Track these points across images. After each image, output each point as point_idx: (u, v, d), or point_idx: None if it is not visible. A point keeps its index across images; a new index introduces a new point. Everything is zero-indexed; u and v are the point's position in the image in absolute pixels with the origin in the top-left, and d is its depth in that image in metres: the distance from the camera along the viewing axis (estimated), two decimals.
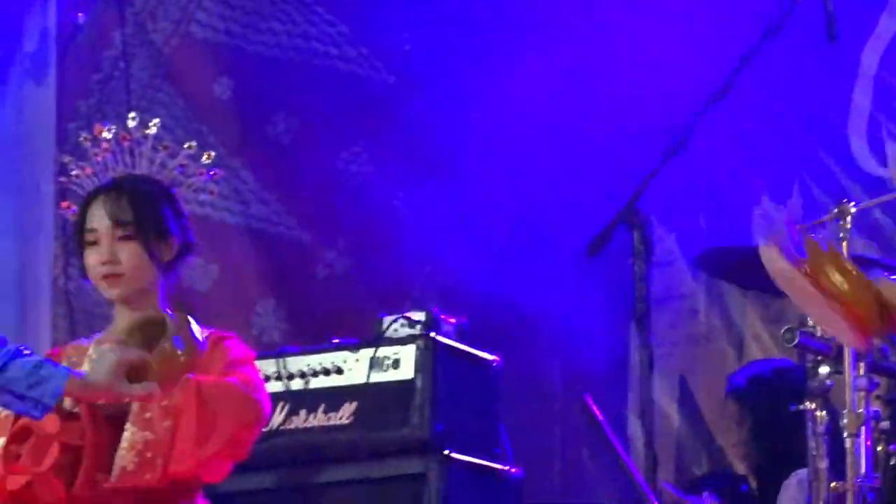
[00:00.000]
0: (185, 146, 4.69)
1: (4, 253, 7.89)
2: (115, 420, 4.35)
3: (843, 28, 5.06)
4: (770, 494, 5.97)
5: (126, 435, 4.31)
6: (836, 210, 5.22)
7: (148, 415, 4.30)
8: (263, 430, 4.51)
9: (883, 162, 6.62)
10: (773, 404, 5.83)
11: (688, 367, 7.09)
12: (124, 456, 4.32)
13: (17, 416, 4.36)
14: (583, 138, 7.04)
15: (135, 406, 4.32)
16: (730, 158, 6.70)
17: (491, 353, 5.83)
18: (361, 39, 7.73)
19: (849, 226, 5.14)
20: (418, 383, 5.50)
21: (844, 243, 5.12)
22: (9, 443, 4.32)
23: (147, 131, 4.65)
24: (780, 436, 5.88)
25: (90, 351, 4.55)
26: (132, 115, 4.74)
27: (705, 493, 6.25)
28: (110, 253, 4.49)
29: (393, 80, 7.66)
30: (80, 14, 8.01)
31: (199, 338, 4.33)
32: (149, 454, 4.33)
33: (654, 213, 5.27)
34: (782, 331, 5.54)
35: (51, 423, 4.31)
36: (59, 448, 4.31)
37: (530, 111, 7.20)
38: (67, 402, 4.35)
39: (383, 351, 5.57)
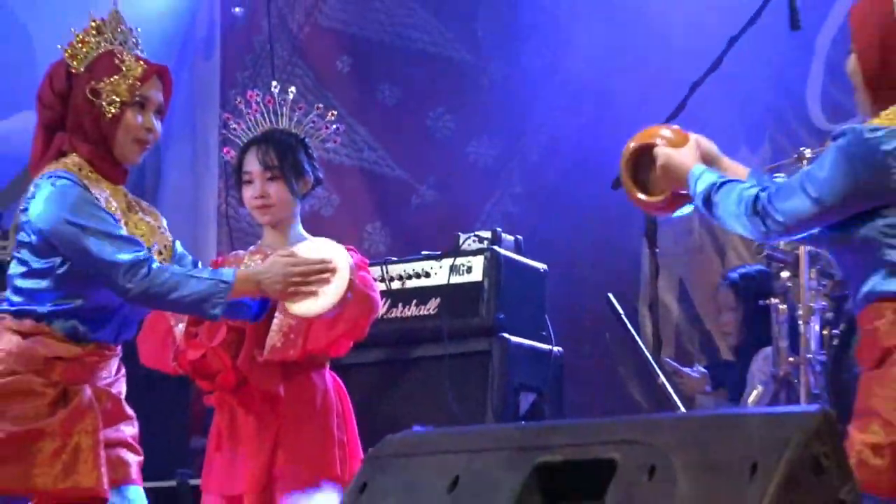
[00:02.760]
0: (315, 108, 4.72)
1: (183, 187, 7.97)
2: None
3: (805, 17, 4.99)
4: (745, 365, 5.97)
5: (275, 321, 4.34)
6: (795, 155, 5.21)
7: None
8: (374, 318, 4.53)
9: (831, 119, 6.58)
10: (756, 296, 5.79)
11: (685, 272, 7.09)
12: (273, 336, 4.36)
13: None
14: (606, 103, 7.03)
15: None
16: (717, 119, 6.68)
17: (543, 260, 5.85)
18: (447, 27, 7.74)
19: (805, 166, 5.14)
20: (485, 285, 5.49)
21: None
22: (188, 325, 4.36)
23: (287, 96, 4.68)
24: (758, 321, 5.86)
25: (245, 258, 4.61)
26: (275, 84, 4.75)
27: (696, 365, 6.26)
28: (262, 190, 4.52)
29: (470, 58, 7.67)
30: (238, 8, 8.05)
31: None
32: (292, 335, 4.36)
33: None
34: (754, 245, 5.54)
35: None
36: (226, 329, 4.36)
37: (569, 82, 7.20)
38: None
39: (460, 260, 5.56)
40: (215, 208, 8.00)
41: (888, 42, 3.55)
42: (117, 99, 3.92)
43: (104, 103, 3.91)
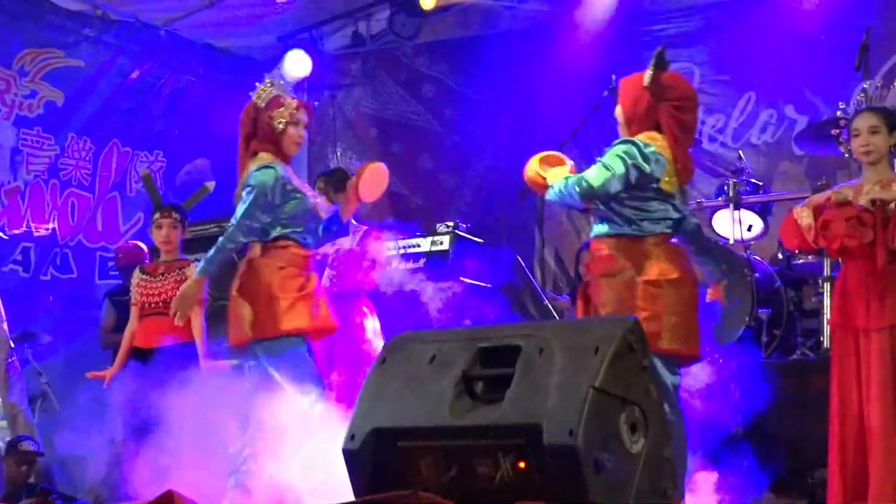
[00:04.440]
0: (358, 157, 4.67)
1: None
2: None
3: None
4: None
5: (326, 272, 4.28)
6: None
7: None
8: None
9: None
10: None
11: (558, 244, 7.00)
12: (324, 279, 4.27)
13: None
14: (514, 153, 6.93)
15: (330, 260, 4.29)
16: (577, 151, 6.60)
17: (481, 238, 5.81)
18: (428, 111, 7.65)
19: None
20: (450, 251, 5.47)
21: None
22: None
23: (337, 155, 4.63)
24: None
25: None
26: (338, 145, 4.74)
27: (564, 294, 6.21)
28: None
29: (440, 129, 7.60)
30: (316, 102, 7.94)
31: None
32: (333, 280, 4.31)
33: None
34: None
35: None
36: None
37: (495, 141, 7.13)
38: None
39: (437, 238, 5.51)
40: None
41: (637, 100, 3.45)
42: (283, 120, 3.91)
43: (276, 123, 3.91)
